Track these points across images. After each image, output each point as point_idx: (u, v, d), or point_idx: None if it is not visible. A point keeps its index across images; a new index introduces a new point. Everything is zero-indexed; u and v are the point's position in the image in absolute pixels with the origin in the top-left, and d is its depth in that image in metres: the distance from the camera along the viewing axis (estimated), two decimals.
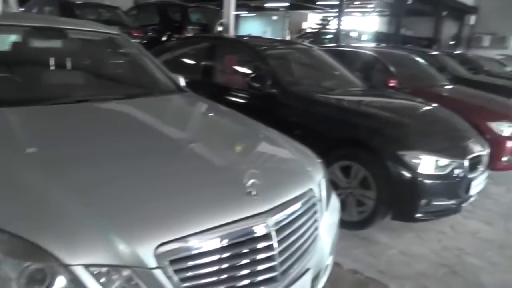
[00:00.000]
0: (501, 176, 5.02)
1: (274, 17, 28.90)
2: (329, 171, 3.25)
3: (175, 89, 2.71)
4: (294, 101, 3.61)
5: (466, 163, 3.12)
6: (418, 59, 6.36)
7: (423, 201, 3.00)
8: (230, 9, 8.48)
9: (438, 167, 3.00)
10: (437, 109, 4.03)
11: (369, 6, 15.14)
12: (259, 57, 3.95)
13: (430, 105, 4.09)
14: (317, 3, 18.16)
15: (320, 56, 4.71)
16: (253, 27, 31.25)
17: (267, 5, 23.57)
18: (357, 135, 3.22)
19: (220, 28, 9.62)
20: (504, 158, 4.63)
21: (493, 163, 4.66)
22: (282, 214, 1.53)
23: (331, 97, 3.75)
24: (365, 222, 3.19)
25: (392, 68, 5.52)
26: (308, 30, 19.92)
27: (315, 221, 1.75)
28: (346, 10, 15.32)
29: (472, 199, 3.38)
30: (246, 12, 30.20)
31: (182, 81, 2.85)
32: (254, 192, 1.51)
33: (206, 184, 1.55)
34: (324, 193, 1.92)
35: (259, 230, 1.42)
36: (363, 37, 16.44)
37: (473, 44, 19.14)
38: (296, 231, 1.59)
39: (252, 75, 3.74)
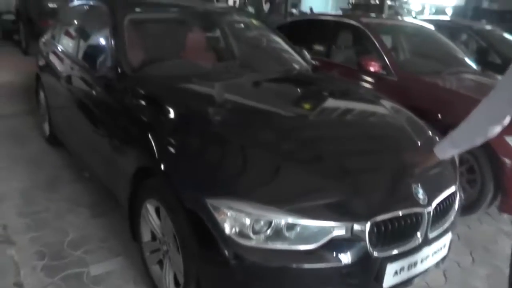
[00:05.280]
0: None
1: None
2: (142, 213, 2.10)
3: None
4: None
5: (367, 229, 1.68)
6: (439, 35, 4.64)
7: None
8: None
9: (293, 236, 1.61)
10: (373, 112, 2.58)
11: None
12: (113, 24, 2.74)
13: (375, 105, 2.66)
14: None
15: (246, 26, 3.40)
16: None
17: None
18: (152, 159, 1.95)
19: None
20: None
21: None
22: None
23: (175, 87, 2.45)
24: None
25: (380, 47, 3.96)
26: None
27: None
28: None
29: None
30: None
31: None
32: None
33: None
34: None
35: None
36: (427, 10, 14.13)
37: None
38: None
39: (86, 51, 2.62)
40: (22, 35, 7.38)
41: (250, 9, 11.06)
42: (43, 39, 4.21)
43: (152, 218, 2.05)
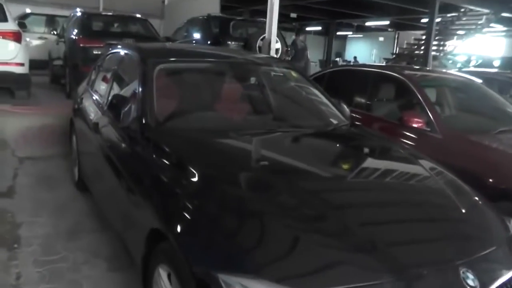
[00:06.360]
0: None
1: (381, 38, 26.82)
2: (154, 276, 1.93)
3: None
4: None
5: None
6: (488, 89, 4.37)
7: None
8: (273, 22, 7.34)
9: None
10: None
11: (479, 22, 12.46)
12: (142, 74, 2.71)
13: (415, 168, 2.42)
14: (421, 20, 15.92)
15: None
16: (360, 49, 29.64)
17: (370, 23, 21.84)
18: (165, 222, 1.81)
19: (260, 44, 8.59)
20: None
21: None
22: None
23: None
24: None
25: (424, 101, 3.74)
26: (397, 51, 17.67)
27: None
28: (451, 27, 12.99)
29: None
30: (351, 33, 28.75)
31: None
32: None
33: None
34: None
35: None
36: (473, 62, 13.77)
37: None
38: None
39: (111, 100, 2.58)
40: (67, 79, 7.71)
41: None
42: (82, 84, 4.31)
43: (164, 283, 1.88)
